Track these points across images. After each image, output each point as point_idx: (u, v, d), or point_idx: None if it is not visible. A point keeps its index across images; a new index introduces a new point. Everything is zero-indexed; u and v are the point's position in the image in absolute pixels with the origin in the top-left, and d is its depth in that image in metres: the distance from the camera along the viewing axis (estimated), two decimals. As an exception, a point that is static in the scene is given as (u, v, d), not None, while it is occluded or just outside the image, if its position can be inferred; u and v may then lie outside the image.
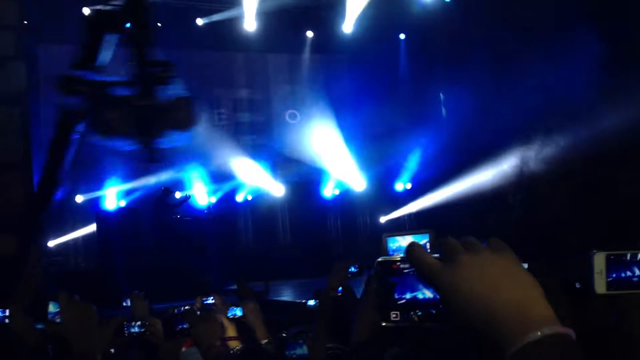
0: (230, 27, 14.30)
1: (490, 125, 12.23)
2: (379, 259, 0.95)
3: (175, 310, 3.79)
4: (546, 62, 12.13)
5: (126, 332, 3.07)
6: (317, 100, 15.48)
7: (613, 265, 1.22)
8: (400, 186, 15.60)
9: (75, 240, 13.39)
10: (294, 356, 2.59)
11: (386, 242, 3.13)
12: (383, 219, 15.37)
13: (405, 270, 0.92)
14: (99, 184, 13.36)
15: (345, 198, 15.39)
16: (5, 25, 11.13)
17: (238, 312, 3.72)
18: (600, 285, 1.23)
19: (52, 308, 2.08)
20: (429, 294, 0.91)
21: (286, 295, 10.60)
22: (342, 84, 15.76)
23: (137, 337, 3.17)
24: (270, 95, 15.59)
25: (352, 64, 15.88)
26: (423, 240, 3.08)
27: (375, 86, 14.67)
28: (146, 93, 2.99)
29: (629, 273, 1.20)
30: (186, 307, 3.79)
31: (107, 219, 12.42)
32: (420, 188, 15.15)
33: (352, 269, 3.81)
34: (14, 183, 10.34)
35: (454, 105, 12.86)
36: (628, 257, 1.21)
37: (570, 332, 0.75)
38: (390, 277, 0.92)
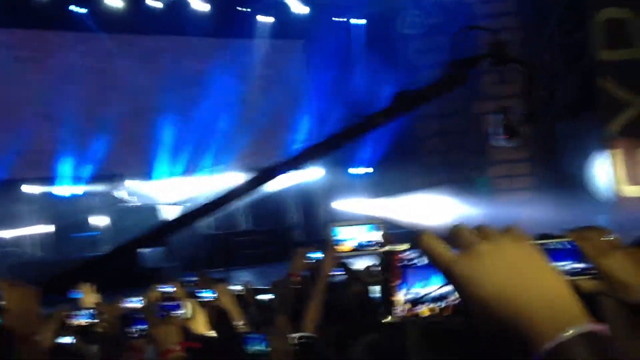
0: (183, 10, 14.09)
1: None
2: (384, 249, 0.90)
3: (127, 303, 3.70)
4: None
5: (74, 322, 2.96)
6: (272, 86, 15.39)
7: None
8: (360, 171, 15.67)
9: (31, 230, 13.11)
10: (253, 351, 2.55)
11: (333, 232, 3.08)
12: (341, 205, 15.35)
13: (413, 262, 0.86)
14: (53, 173, 13.08)
15: (304, 183, 15.36)
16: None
17: (210, 294, 3.65)
18: None
19: None
20: (439, 287, 0.85)
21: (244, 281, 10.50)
22: (298, 69, 15.70)
23: (87, 327, 3.06)
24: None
25: (308, 50, 15.80)
26: (373, 231, 3.03)
27: (331, 72, 14.64)
28: (531, 118, 5.49)
29: (557, 262, 1.19)
30: (136, 300, 3.71)
31: (62, 209, 12.16)
32: (380, 173, 15.26)
33: (314, 255, 3.76)
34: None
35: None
36: (556, 246, 1.20)
37: (605, 329, 0.70)
38: (395, 269, 0.86)
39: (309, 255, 3.62)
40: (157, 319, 2.24)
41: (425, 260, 0.81)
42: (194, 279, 4.77)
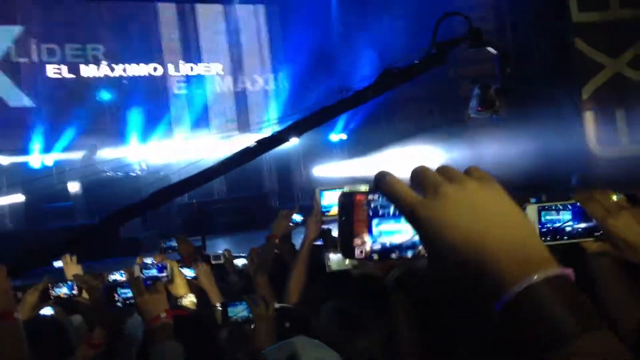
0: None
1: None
2: (344, 189, 0.82)
3: (110, 276, 3.64)
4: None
5: (54, 294, 2.90)
6: (250, 53, 15.23)
7: (545, 216, 1.21)
8: (335, 137, 15.64)
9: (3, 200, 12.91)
10: (237, 319, 2.53)
11: (319, 197, 3.04)
12: (317, 171, 15.38)
13: (373, 204, 0.81)
14: (24, 144, 12.85)
15: (280, 149, 15.28)
16: None
17: (190, 273, 3.64)
18: None
19: None
20: (408, 236, 0.80)
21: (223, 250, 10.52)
22: (275, 35, 15.54)
23: (68, 300, 3.01)
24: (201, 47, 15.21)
25: (284, 14, 15.64)
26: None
27: (307, 37, 14.52)
28: (504, 94, 5.77)
29: (561, 223, 1.19)
30: (121, 273, 3.66)
31: (34, 180, 11.94)
32: (354, 139, 15.26)
33: (296, 218, 3.75)
34: None
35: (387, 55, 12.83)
36: (559, 208, 1.19)
37: (570, 273, 0.68)
38: (355, 211, 0.80)
39: (292, 218, 3.62)
40: (143, 287, 2.20)
41: (392, 207, 0.79)
42: (173, 244, 4.74)
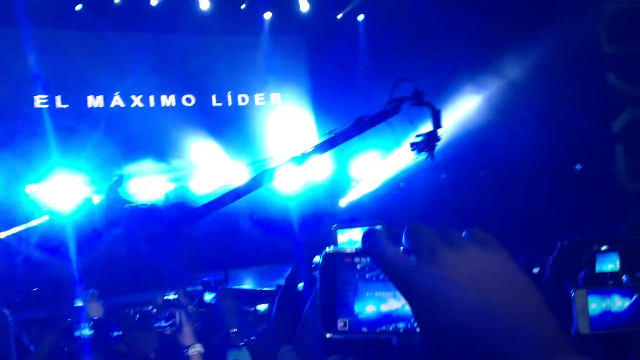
0: (185, 8, 14.06)
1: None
2: (327, 250, 0.72)
3: (132, 311, 3.60)
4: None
5: (77, 334, 2.86)
6: (276, 84, 15.33)
7: (595, 301, 1.08)
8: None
9: (27, 230, 12.98)
10: None
11: (336, 235, 2.97)
12: (343, 203, 15.28)
13: (360, 267, 0.71)
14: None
15: (308, 183, 15.27)
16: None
17: (211, 297, 3.65)
18: (583, 326, 1.07)
19: None
20: (394, 302, 0.69)
21: (247, 283, 10.51)
22: (300, 67, 15.63)
23: (91, 340, 2.97)
24: (226, 79, 15.34)
25: (310, 46, 15.75)
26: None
27: (333, 69, 14.58)
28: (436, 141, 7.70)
29: (612, 309, 1.05)
30: (150, 308, 3.62)
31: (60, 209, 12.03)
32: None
33: (317, 260, 3.66)
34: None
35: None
36: (611, 292, 1.07)
37: None
38: (339, 274, 0.70)
39: (314, 260, 3.54)
40: (133, 325, 2.12)
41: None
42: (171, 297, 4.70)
